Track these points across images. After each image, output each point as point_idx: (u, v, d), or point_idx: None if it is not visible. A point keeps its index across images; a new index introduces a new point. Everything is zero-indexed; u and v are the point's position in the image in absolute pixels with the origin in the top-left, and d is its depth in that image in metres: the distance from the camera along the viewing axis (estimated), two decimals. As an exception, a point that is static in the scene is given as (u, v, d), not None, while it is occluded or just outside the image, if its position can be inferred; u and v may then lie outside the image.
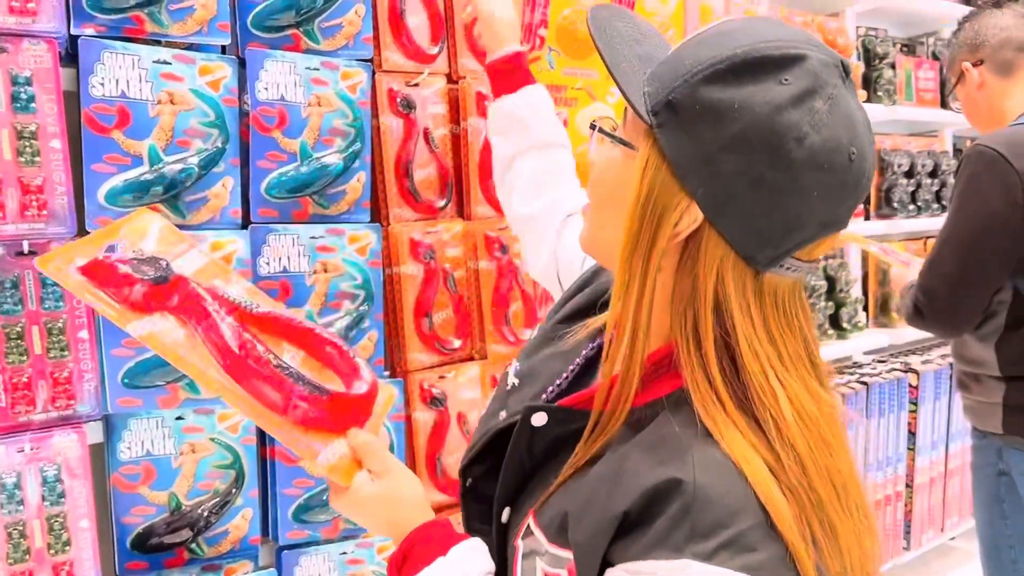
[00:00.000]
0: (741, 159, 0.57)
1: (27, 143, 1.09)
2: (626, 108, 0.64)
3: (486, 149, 1.53)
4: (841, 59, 0.60)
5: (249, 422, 1.26)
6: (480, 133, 1.53)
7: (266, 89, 1.26)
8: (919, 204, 2.67)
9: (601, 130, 0.65)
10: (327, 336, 0.89)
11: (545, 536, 0.65)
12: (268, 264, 1.27)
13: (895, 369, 2.44)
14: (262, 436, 1.31)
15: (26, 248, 1.09)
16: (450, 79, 1.52)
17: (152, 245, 0.91)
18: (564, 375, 0.76)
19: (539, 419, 0.68)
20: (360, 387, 0.84)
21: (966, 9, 2.78)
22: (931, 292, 1.60)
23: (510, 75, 1.12)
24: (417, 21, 1.46)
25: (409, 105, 1.43)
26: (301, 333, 0.88)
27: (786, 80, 0.57)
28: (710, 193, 0.59)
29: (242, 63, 1.25)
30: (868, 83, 2.54)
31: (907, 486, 2.45)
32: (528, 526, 0.67)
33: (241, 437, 1.25)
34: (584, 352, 0.76)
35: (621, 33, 0.65)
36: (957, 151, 2.93)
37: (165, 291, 0.84)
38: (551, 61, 1.68)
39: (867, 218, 2.54)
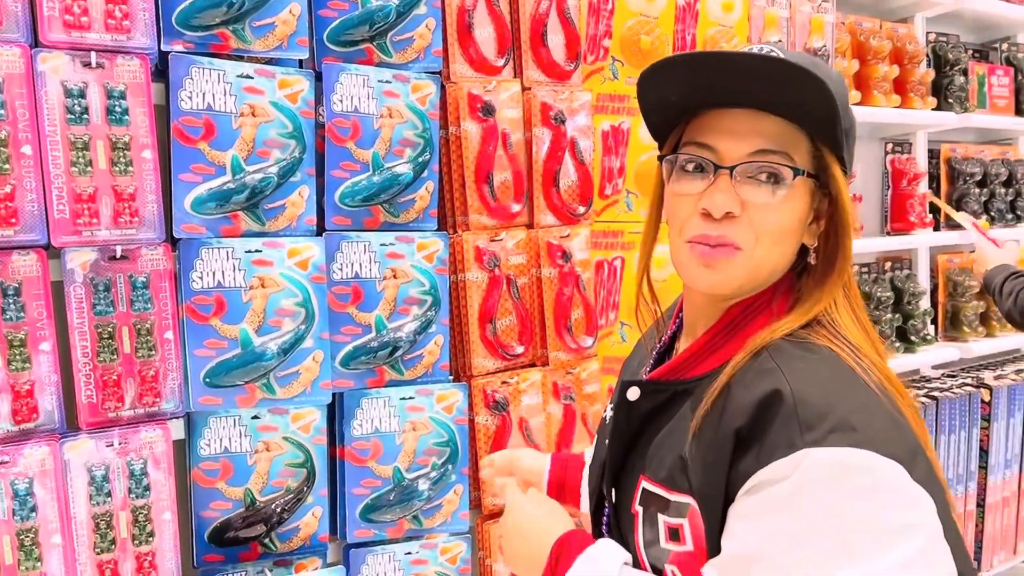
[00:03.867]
0: (853, 133, 0.79)
1: (121, 154, 1.16)
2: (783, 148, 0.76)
3: (550, 158, 1.55)
4: None
5: (321, 422, 1.30)
6: (544, 142, 1.55)
7: (341, 101, 1.30)
8: (992, 214, 2.58)
9: (809, 174, 0.76)
10: None
11: (664, 487, 0.73)
12: (341, 270, 1.31)
13: (966, 384, 2.36)
14: (332, 436, 1.35)
15: (119, 253, 1.16)
16: (515, 90, 1.55)
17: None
18: (653, 351, 0.90)
19: (633, 393, 0.79)
20: None
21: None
22: None
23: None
24: (485, 34, 1.48)
25: (488, 110, 1.45)
26: None
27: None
28: (849, 162, 0.78)
29: (318, 76, 1.30)
30: (938, 90, 2.47)
31: (978, 505, 2.36)
32: (642, 489, 0.75)
33: (313, 437, 1.29)
34: (666, 334, 0.90)
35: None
36: (1033, 159, 2.81)
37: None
38: (615, 71, 1.69)
39: (936, 228, 2.47)
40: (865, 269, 2.34)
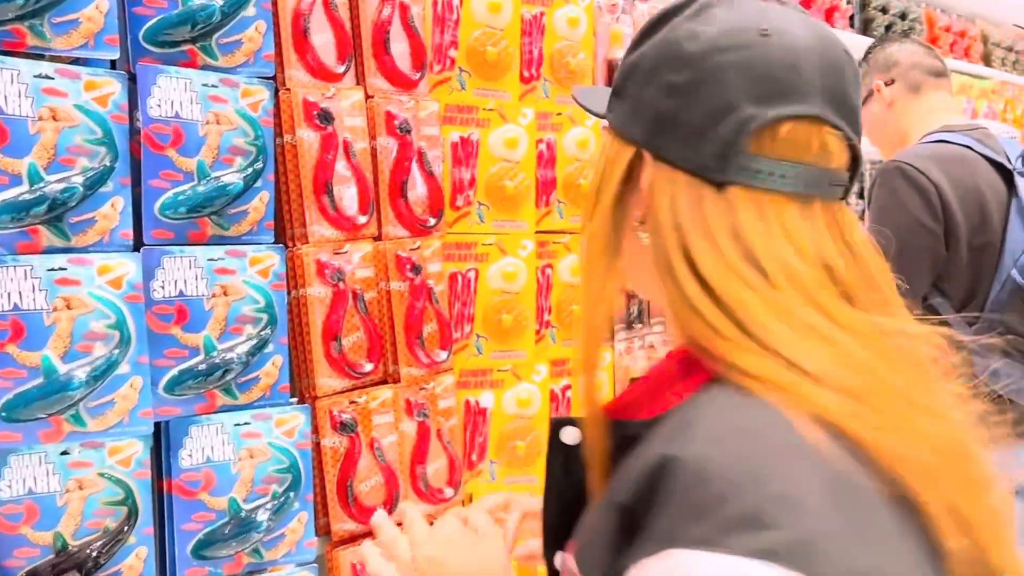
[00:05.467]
0: (653, 83, 0.59)
1: None
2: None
3: (397, 168, 1.52)
4: None
5: (143, 455, 1.19)
6: (390, 152, 1.51)
7: (159, 106, 1.21)
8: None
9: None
10: None
11: (579, 569, 0.54)
12: (163, 288, 1.21)
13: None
14: (158, 469, 1.24)
15: None
16: (359, 98, 1.50)
17: None
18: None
19: (571, 435, 0.59)
20: None
21: (860, 38, 2.96)
22: None
23: None
24: (323, 40, 1.43)
25: (326, 118, 1.39)
26: None
27: (682, 11, 0.60)
28: (644, 128, 0.59)
29: (132, 79, 1.21)
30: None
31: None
32: (569, 566, 0.57)
33: (134, 471, 1.18)
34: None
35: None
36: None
37: None
38: (462, 82, 1.68)
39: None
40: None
